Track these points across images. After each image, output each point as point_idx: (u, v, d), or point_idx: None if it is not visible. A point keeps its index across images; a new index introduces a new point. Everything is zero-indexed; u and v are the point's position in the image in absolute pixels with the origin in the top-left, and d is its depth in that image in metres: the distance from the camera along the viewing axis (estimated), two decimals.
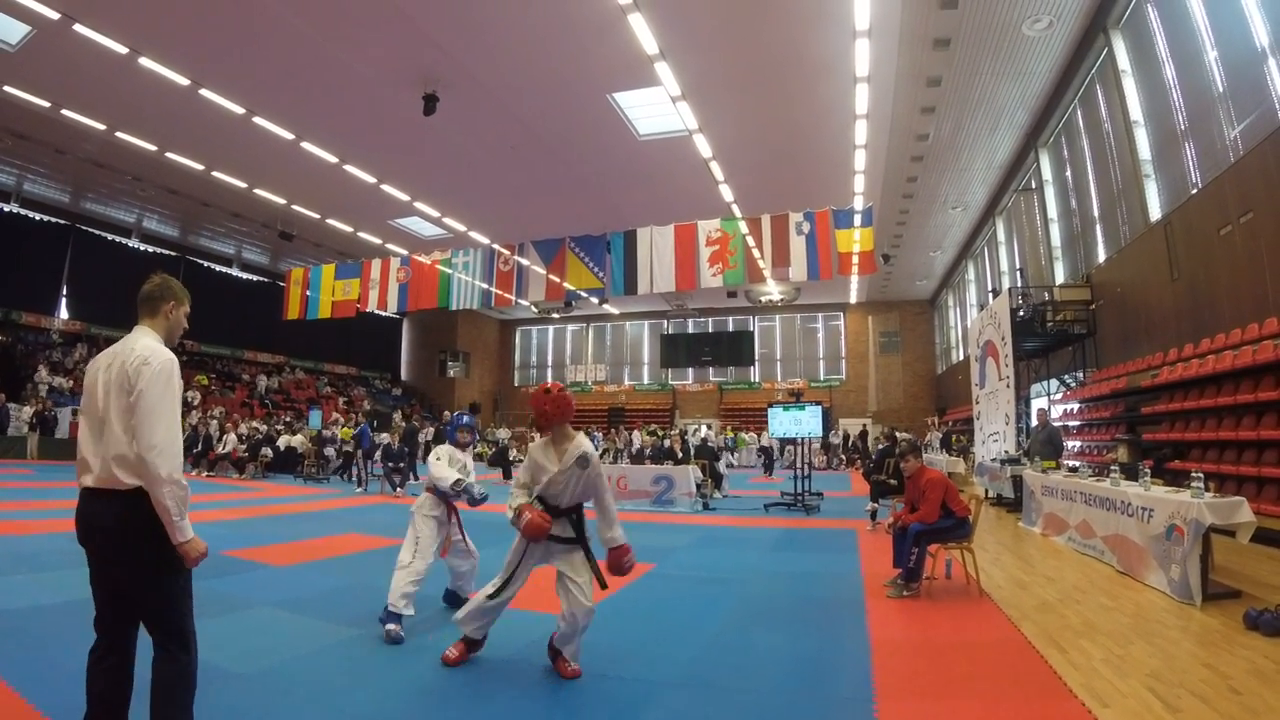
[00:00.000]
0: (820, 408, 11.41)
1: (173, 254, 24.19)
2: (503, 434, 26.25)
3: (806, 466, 11.21)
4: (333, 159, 15.00)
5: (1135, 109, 10.85)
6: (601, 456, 10.77)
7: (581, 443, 3.52)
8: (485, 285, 11.59)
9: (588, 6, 9.54)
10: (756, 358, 31.25)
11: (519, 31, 10.41)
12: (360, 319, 15.53)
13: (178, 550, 2.16)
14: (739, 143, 13.84)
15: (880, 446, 12.12)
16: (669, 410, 32.06)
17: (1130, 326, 11.54)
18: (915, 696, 3.20)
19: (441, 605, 4.62)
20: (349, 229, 20.33)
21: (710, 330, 31.86)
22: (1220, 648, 3.72)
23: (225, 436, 16.30)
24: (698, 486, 11.12)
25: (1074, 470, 8.28)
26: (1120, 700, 3.03)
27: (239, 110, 12.81)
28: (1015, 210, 17.68)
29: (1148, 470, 5.87)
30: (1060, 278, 14.92)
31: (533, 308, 29.39)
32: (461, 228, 19.40)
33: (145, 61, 11.13)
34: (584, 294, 13.08)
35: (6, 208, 19.84)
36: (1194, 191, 9.45)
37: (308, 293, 12.96)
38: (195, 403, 20.38)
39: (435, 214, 18.66)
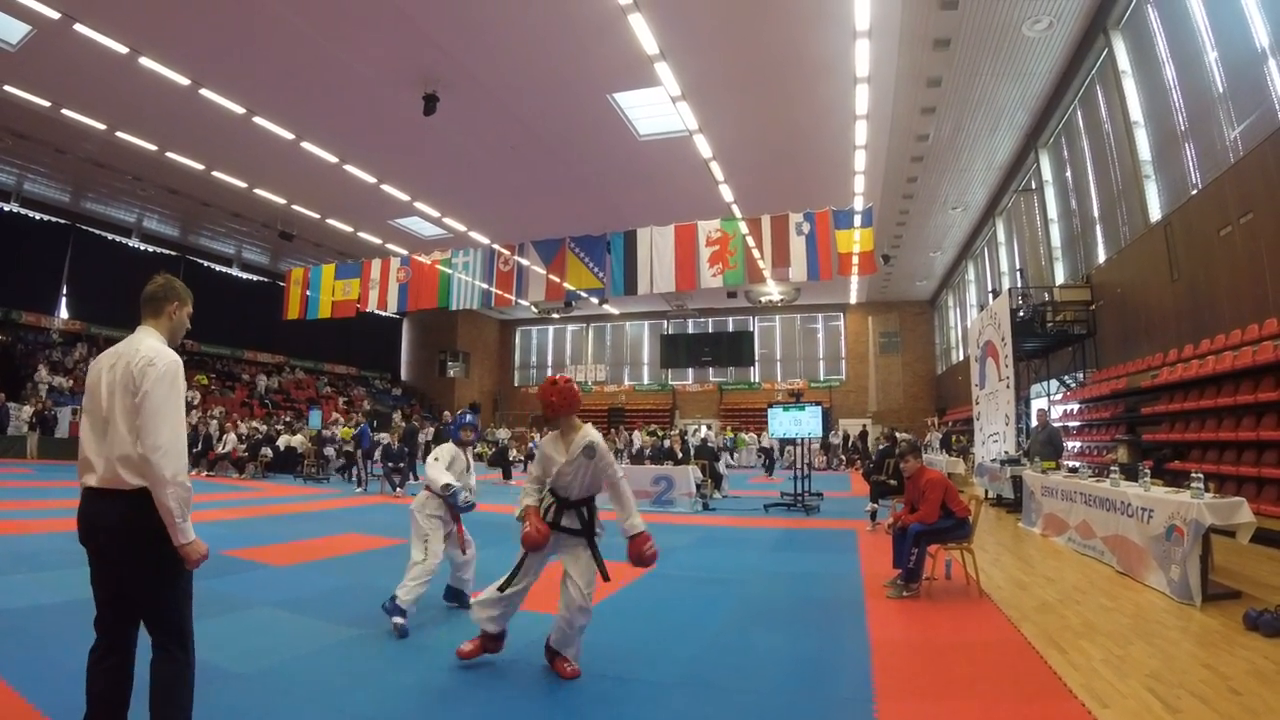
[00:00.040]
0: (820, 408, 11.41)
1: (173, 254, 24.19)
2: (503, 434, 26.24)
3: (806, 467, 11.21)
4: (333, 159, 15.00)
5: (1135, 110, 10.85)
6: None
7: (588, 433, 3.54)
8: (485, 285, 11.59)
9: (588, 6, 9.54)
10: (756, 358, 31.24)
11: (519, 31, 10.41)
12: (360, 319, 15.53)
13: (179, 552, 2.17)
14: (739, 143, 13.84)
15: (880, 447, 12.12)
16: (669, 410, 32.07)
17: (1130, 327, 11.54)
18: (915, 697, 3.20)
19: (441, 604, 4.62)
20: (349, 229, 20.33)
21: (710, 330, 31.86)
22: (1220, 648, 3.72)
23: (225, 436, 16.31)
24: (697, 487, 11.12)
25: (1074, 471, 8.28)
26: (1120, 701, 3.03)
27: (239, 110, 12.80)
28: (1015, 211, 17.69)
29: (1147, 471, 5.87)
30: (1060, 278, 14.92)
31: (533, 308, 29.39)
32: (461, 228, 19.40)
33: (145, 61, 11.13)
34: (584, 294, 13.09)
35: (6, 207, 19.84)
36: (1194, 192, 9.45)
37: (308, 293, 12.97)
38: (195, 402, 20.37)
39: (435, 214, 18.66)
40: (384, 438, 14.89)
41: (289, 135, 13.89)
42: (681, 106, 12.01)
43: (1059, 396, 14.36)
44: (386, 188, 16.65)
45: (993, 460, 12.19)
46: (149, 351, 2.23)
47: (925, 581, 5.15)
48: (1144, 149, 10.82)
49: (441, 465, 4.40)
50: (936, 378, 29.47)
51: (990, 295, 16.52)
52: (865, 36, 9.80)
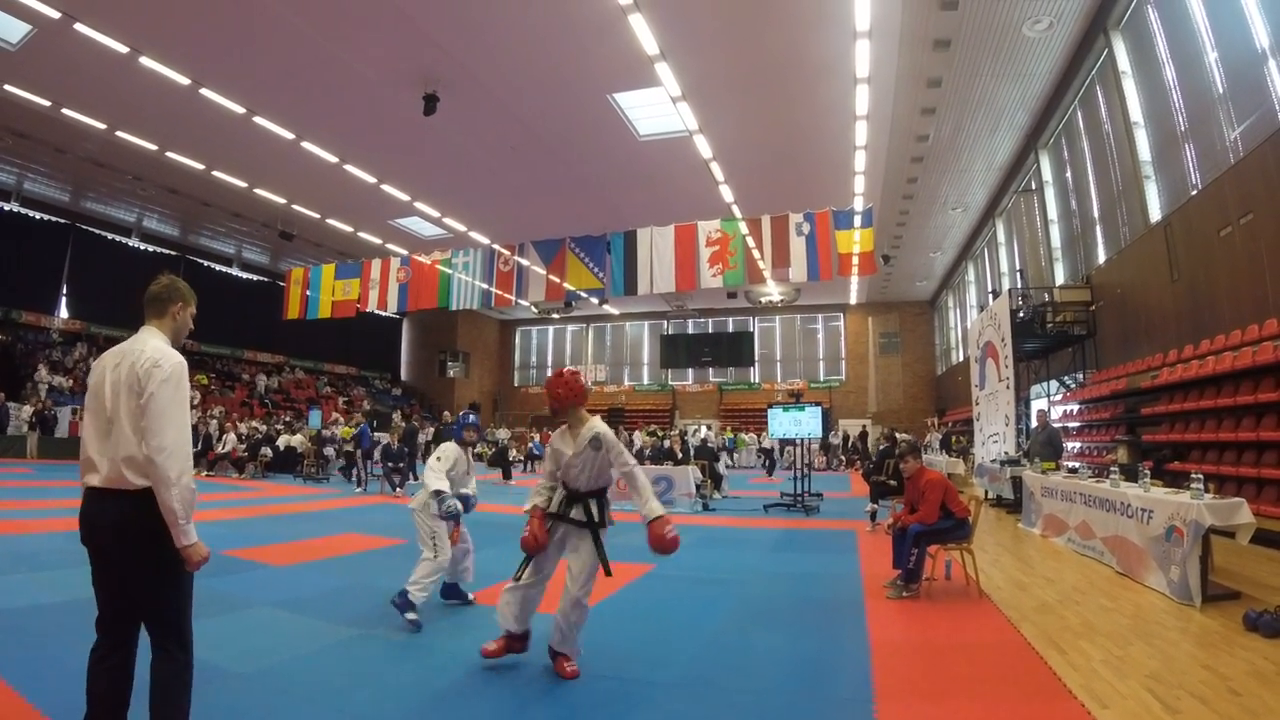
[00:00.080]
0: (820, 408, 11.41)
1: (173, 253, 24.19)
2: (502, 434, 26.23)
3: (806, 467, 11.21)
4: (333, 159, 15.00)
5: (1135, 110, 10.86)
6: None
7: (595, 425, 3.54)
8: (485, 285, 11.59)
9: (588, 6, 9.54)
10: (756, 358, 31.25)
11: (519, 31, 10.41)
12: (360, 319, 15.53)
13: (181, 553, 2.17)
14: (739, 143, 13.85)
15: (880, 447, 12.12)
16: (669, 411, 32.06)
17: (1130, 328, 11.54)
18: (915, 697, 3.20)
19: (440, 602, 4.63)
20: (349, 229, 20.34)
21: (710, 331, 31.86)
22: (1220, 649, 3.72)
23: (225, 436, 16.30)
24: (697, 487, 11.13)
25: (1073, 471, 8.28)
26: (1120, 701, 3.03)
27: (239, 110, 12.81)
28: (1015, 211, 17.69)
29: (1147, 471, 5.87)
30: (1060, 279, 14.92)
31: (533, 308, 29.40)
32: (461, 228, 19.40)
33: (146, 61, 11.14)
34: (584, 294, 13.08)
35: (7, 207, 19.83)
36: (1194, 193, 9.45)
37: (308, 292, 12.96)
38: (195, 402, 20.34)
39: (435, 214, 18.66)
40: (384, 438, 14.89)
41: (289, 135, 13.90)
42: (682, 107, 12.01)
43: (1059, 397, 14.36)
44: (386, 188, 16.66)
45: (992, 461, 12.19)
46: (154, 353, 2.23)
47: (925, 582, 5.15)
48: (1144, 149, 10.82)
49: (443, 468, 4.40)
50: (936, 378, 29.47)
51: (990, 296, 16.52)
52: (865, 37, 9.81)
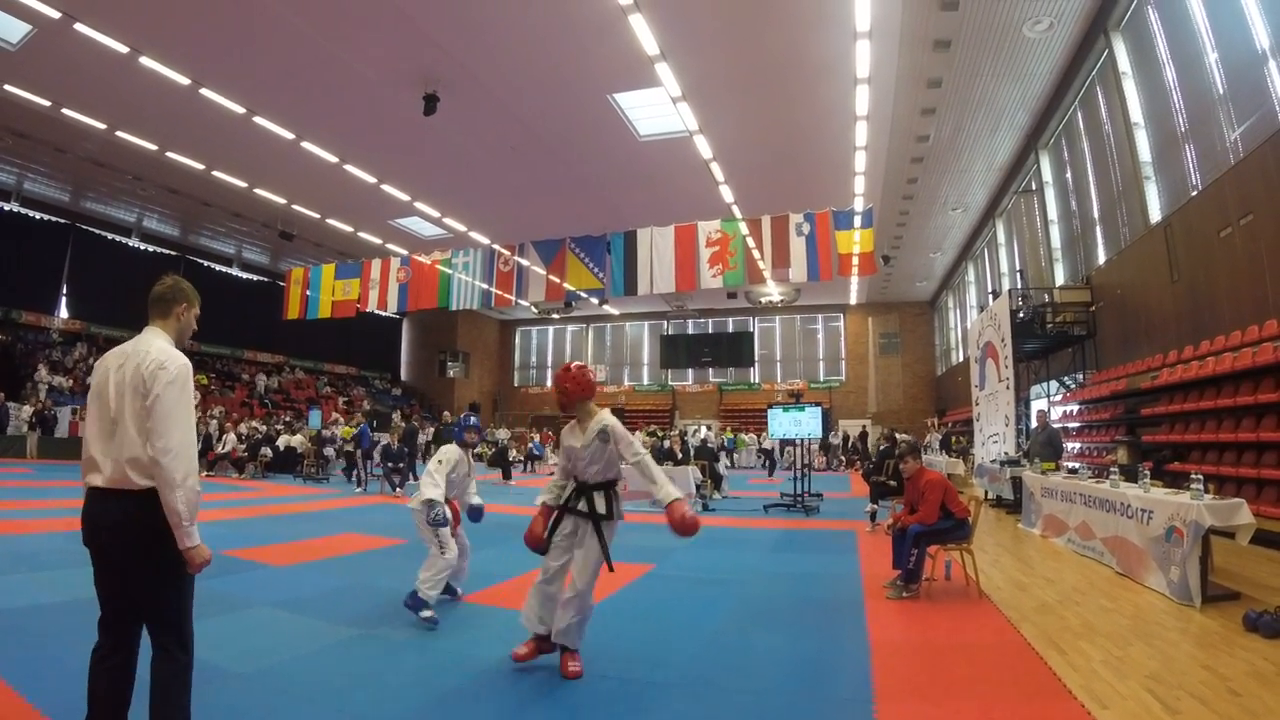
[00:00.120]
0: (820, 409, 11.41)
1: (173, 253, 24.20)
2: (502, 434, 26.22)
3: (806, 468, 11.20)
4: (333, 159, 15.00)
5: (1135, 111, 10.86)
6: None
7: (604, 418, 3.54)
8: (485, 285, 11.59)
9: (588, 6, 9.55)
10: (756, 359, 31.25)
11: (519, 31, 10.41)
12: (360, 319, 15.52)
13: (183, 555, 2.17)
14: (739, 144, 13.85)
15: (880, 448, 12.12)
16: (669, 411, 32.07)
17: (1130, 328, 11.54)
18: (914, 698, 3.20)
19: (437, 602, 4.62)
20: (349, 229, 20.34)
21: (710, 331, 31.87)
22: (1219, 649, 3.72)
23: (225, 436, 16.30)
24: (697, 487, 11.12)
25: (1073, 472, 8.28)
26: (1119, 702, 3.03)
27: (239, 110, 12.81)
28: (1015, 212, 17.69)
29: (1147, 472, 5.87)
30: (1060, 279, 14.92)
31: (533, 308, 29.41)
32: (461, 228, 19.40)
33: (146, 61, 11.14)
34: (584, 294, 13.08)
35: (7, 207, 19.84)
36: (1194, 193, 9.45)
37: (308, 292, 12.95)
38: (195, 402, 20.33)
39: (435, 214, 18.66)
40: (383, 438, 14.89)
41: (289, 135, 13.90)
42: (682, 107, 12.02)
43: (1059, 398, 14.36)
44: (386, 188, 16.66)
45: (992, 461, 12.19)
46: (159, 354, 2.23)
47: (925, 582, 5.15)
48: (1144, 150, 10.83)
49: (443, 471, 4.40)
50: (936, 379, 29.47)
51: (990, 296, 16.52)
52: (866, 38, 9.81)
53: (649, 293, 10.58)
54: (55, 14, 9.99)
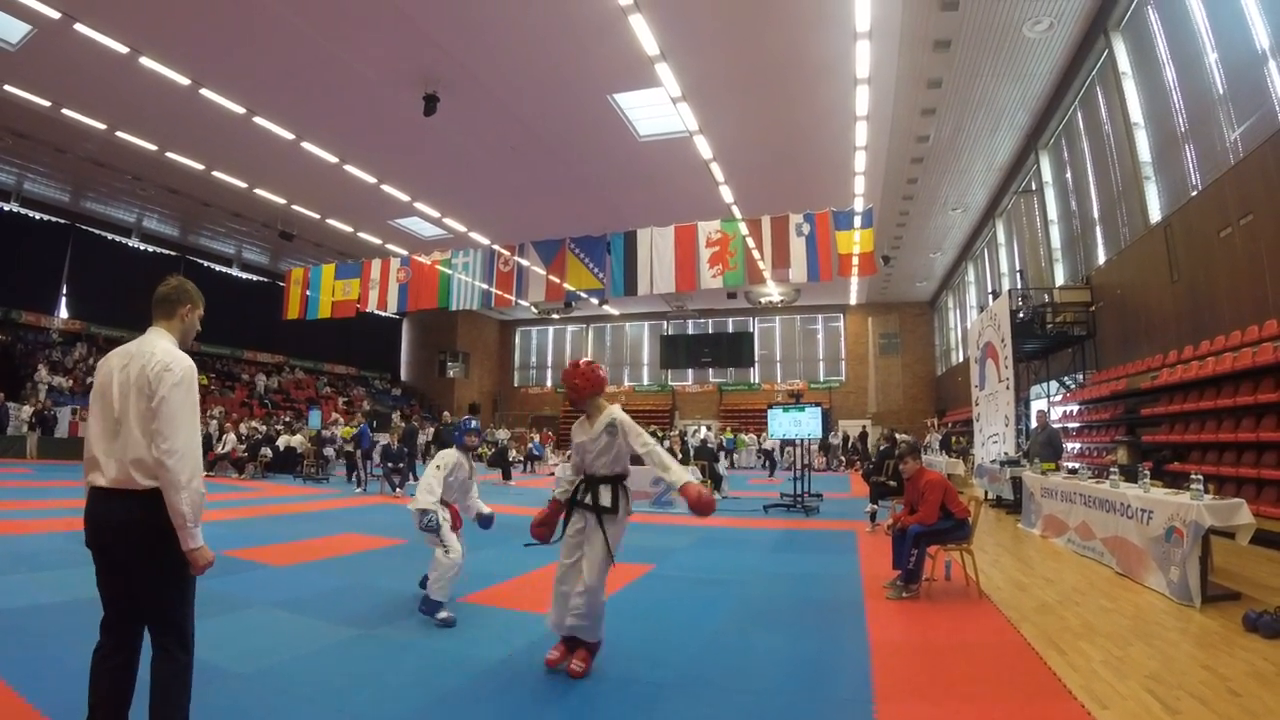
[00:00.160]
0: (820, 409, 11.41)
1: (173, 254, 24.20)
2: (502, 434, 26.22)
3: (805, 468, 11.20)
4: (333, 159, 15.01)
5: (1135, 111, 10.86)
6: None
7: (613, 412, 3.59)
8: (485, 286, 11.59)
9: (588, 6, 9.55)
10: (756, 359, 31.25)
11: (519, 31, 10.42)
12: (360, 319, 15.52)
13: (186, 556, 2.17)
14: (739, 144, 13.85)
15: (880, 448, 12.12)
16: (669, 411, 32.06)
17: (1130, 328, 11.54)
18: (914, 698, 3.20)
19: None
20: (349, 229, 20.34)
21: (710, 331, 31.87)
22: (1219, 650, 3.73)
23: (224, 436, 16.30)
24: None
25: (1073, 472, 8.28)
26: (1119, 702, 3.03)
27: (239, 110, 12.81)
28: (1015, 212, 17.69)
29: (1147, 472, 5.87)
30: (1060, 279, 14.93)
31: (533, 308, 29.41)
32: (461, 228, 19.40)
33: (146, 61, 11.14)
34: (584, 295, 13.07)
35: (6, 207, 19.84)
36: (1194, 193, 9.45)
37: (308, 293, 12.95)
38: None
39: (435, 214, 18.66)
40: (383, 438, 14.89)
41: (289, 135, 13.90)
42: (682, 107, 12.02)
43: (1059, 398, 14.36)
44: (386, 188, 16.66)
45: (992, 461, 12.19)
46: (164, 355, 2.23)
47: (925, 582, 5.15)
48: (1144, 150, 10.83)
49: (440, 477, 4.40)
50: (936, 379, 29.47)
51: (990, 296, 16.52)
52: (866, 38, 9.82)
53: (649, 293, 10.58)
54: (55, 14, 10.00)
